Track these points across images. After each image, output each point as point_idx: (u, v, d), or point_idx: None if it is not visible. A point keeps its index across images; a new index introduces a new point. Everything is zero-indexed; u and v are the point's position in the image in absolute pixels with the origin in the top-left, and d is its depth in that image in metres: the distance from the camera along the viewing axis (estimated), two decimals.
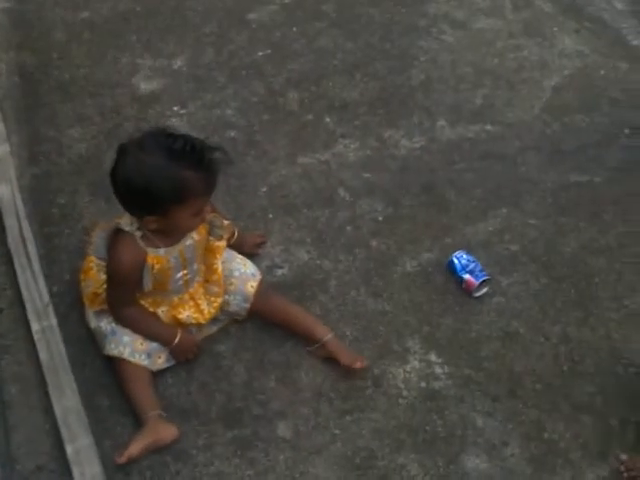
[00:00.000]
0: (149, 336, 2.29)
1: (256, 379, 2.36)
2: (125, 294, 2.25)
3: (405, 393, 2.34)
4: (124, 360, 2.28)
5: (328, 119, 2.98)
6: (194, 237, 2.24)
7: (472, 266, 2.55)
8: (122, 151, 2.07)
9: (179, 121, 2.91)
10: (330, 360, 2.39)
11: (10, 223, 2.53)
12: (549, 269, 2.64)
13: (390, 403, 2.34)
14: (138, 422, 2.23)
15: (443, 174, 2.86)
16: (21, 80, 3.01)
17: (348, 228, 2.70)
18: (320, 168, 2.85)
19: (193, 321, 2.35)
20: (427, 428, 2.27)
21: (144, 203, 2.07)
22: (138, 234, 2.16)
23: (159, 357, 2.32)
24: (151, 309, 2.32)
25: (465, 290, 2.55)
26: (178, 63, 3.12)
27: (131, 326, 2.28)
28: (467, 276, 2.54)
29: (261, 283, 2.43)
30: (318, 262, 2.62)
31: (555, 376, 2.38)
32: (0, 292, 2.47)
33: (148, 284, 2.22)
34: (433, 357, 2.41)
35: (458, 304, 2.53)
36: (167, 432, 2.21)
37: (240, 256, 2.47)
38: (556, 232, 2.73)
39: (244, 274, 2.43)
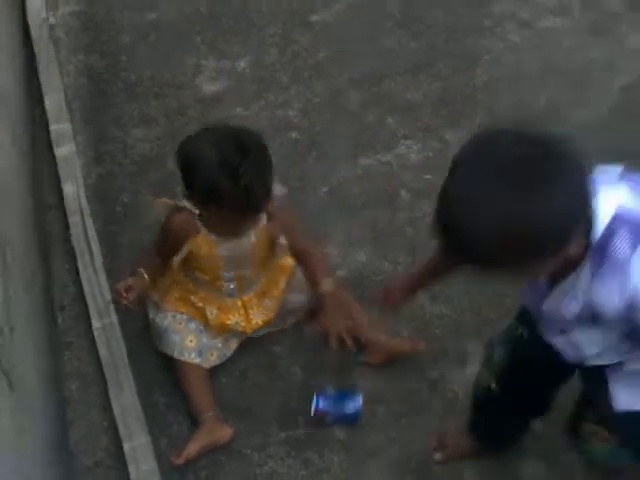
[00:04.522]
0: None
1: (312, 380, 2.37)
2: (157, 255, 2.27)
3: (461, 397, 2.31)
4: (178, 359, 2.31)
5: (390, 120, 2.96)
6: (252, 239, 2.23)
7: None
8: (200, 131, 2.09)
9: (242, 122, 2.91)
10: (385, 366, 2.38)
11: (74, 221, 2.58)
12: None
13: (446, 406, 2.32)
14: (194, 421, 2.26)
15: None
16: (89, 81, 3.06)
17: (408, 229, 2.68)
18: (381, 169, 2.83)
19: (239, 328, 2.36)
20: None
21: (185, 181, 2.08)
22: (196, 212, 2.16)
23: (211, 354, 2.34)
24: (200, 304, 2.33)
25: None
26: (241, 64, 3.13)
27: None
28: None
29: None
30: (377, 263, 2.60)
31: None
32: (63, 289, 2.53)
33: (178, 259, 2.22)
34: None
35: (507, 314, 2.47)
36: (223, 433, 2.25)
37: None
38: None
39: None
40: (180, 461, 2.18)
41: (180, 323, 2.33)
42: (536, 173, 1.28)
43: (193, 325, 2.33)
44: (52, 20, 3.19)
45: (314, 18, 3.27)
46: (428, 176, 2.79)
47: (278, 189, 2.27)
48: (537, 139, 1.32)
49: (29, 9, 3.15)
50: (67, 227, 2.61)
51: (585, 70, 3.11)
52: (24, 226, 2.36)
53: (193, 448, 2.20)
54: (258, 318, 2.37)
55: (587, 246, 1.44)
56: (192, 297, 2.34)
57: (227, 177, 1.96)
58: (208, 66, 3.13)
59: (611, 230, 1.43)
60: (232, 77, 3.09)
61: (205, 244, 2.20)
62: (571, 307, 1.52)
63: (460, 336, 2.45)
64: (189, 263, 2.26)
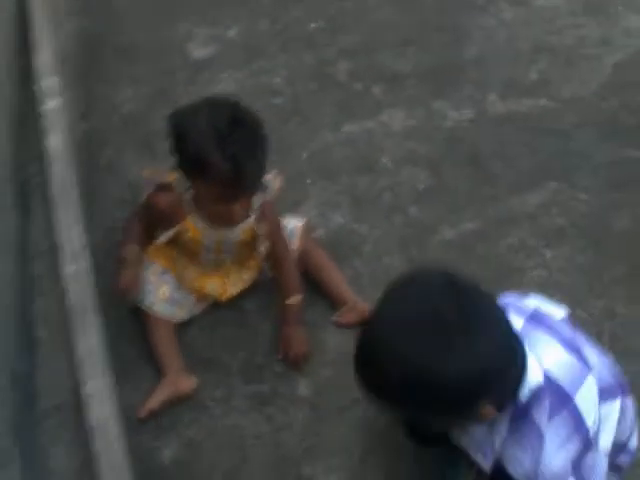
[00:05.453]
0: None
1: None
2: (139, 216, 2.27)
3: None
4: (148, 309, 2.29)
5: (376, 89, 2.95)
6: (238, 235, 2.23)
7: None
8: (197, 101, 2.07)
9: (227, 87, 2.93)
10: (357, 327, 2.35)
11: (56, 170, 2.57)
12: (598, 244, 2.54)
13: None
14: (159, 372, 2.25)
15: (490, 147, 2.79)
16: (81, 43, 3.06)
17: (387, 195, 2.66)
18: (363, 136, 2.82)
19: (215, 294, 2.36)
20: None
21: (175, 148, 2.06)
22: (187, 196, 2.15)
23: (180, 309, 2.33)
24: (181, 260, 2.32)
25: None
26: (232, 32, 3.14)
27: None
28: None
29: (307, 223, 2.44)
30: (354, 227, 2.59)
31: None
32: (40, 238, 2.52)
33: (163, 239, 2.22)
34: None
35: (499, 275, 2.45)
36: (186, 384, 2.23)
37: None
38: (608, 207, 2.64)
39: (290, 221, 2.42)
40: (144, 414, 2.17)
41: (154, 274, 2.31)
42: (460, 328, 1.34)
43: (167, 277, 2.32)
44: None
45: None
46: (411, 144, 2.78)
47: (275, 182, 2.28)
48: (467, 290, 1.40)
49: None
50: (50, 178, 2.60)
51: (577, 47, 3.10)
52: (2, 176, 2.36)
53: (156, 400, 2.18)
54: (234, 288, 2.37)
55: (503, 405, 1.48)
56: (174, 252, 2.32)
57: (215, 145, 1.95)
58: (199, 33, 3.14)
59: (536, 396, 1.48)
60: (222, 44, 3.10)
61: (191, 229, 2.20)
62: (485, 457, 1.58)
63: None
64: (172, 239, 2.25)
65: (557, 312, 1.67)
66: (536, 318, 1.60)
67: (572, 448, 1.49)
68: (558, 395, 1.49)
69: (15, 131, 2.65)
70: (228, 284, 2.36)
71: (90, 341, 2.22)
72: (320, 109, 2.89)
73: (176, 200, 2.17)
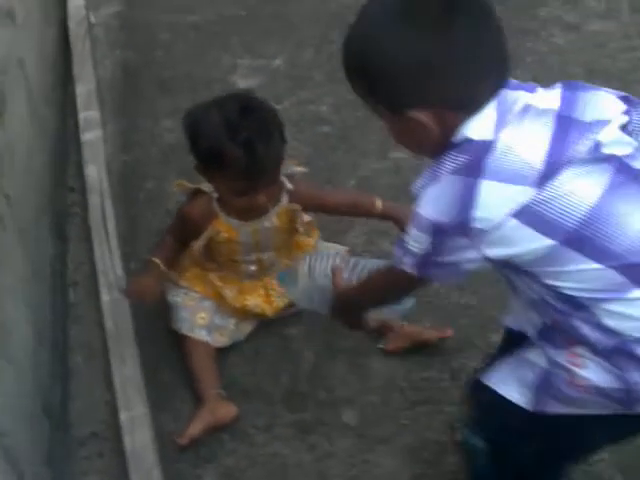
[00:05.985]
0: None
1: (324, 365, 2.27)
2: (175, 241, 2.21)
3: None
4: (186, 335, 2.23)
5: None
6: (273, 221, 2.16)
7: None
8: (209, 101, 2.06)
9: None
10: (404, 354, 2.26)
11: (93, 201, 2.55)
12: None
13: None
14: (198, 400, 2.16)
15: None
16: (124, 75, 3.06)
17: None
18: (411, 163, 2.73)
19: (259, 310, 2.28)
20: None
21: (191, 148, 2.05)
22: (215, 196, 2.12)
23: (221, 334, 2.26)
24: (219, 283, 2.25)
25: None
26: (277, 63, 3.10)
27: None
28: None
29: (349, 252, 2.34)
30: None
31: None
32: (77, 266, 2.48)
33: (200, 246, 2.16)
34: None
35: None
36: (226, 411, 2.14)
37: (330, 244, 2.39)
38: None
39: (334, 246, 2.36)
40: (184, 441, 2.09)
41: (193, 300, 2.26)
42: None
43: (206, 303, 2.26)
44: (92, 19, 3.22)
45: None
46: None
47: (297, 170, 2.21)
48: None
49: (70, 8, 3.19)
50: (87, 209, 2.57)
51: (632, 70, 3.00)
52: (40, 205, 2.34)
53: (196, 427, 2.10)
54: (280, 300, 2.28)
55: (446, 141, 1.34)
56: (210, 275, 2.26)
57: (226, 135, 1.93)
58: (243, 64, 3.11)
59: (462, 146, 1.32)
60: (266, 74, 3.06)
61: (225, 229, 2.14)
62: None
63: (486, 327, 2.30)
64: (207, 248, 2.20)
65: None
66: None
67: (444, 213, 1.31)
68: (473, 164, 1.30)
69: (55, 161, 2.64)
70: (273, 296, 2.28)
71: (128, 368, 2.17)
72: (366, 136, 2.81)
73: (207, 206, 2.13)
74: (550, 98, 1.37)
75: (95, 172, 2.63)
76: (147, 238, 2.54)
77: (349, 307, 1.80)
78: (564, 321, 1.40)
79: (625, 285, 1.33)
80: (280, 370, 2.25)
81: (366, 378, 2.23)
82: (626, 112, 1.36)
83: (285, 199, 2.16)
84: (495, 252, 1.34)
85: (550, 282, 1.36)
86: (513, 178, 1.28)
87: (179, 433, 2.09)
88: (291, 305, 2.27)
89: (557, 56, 3.09)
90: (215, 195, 2.12)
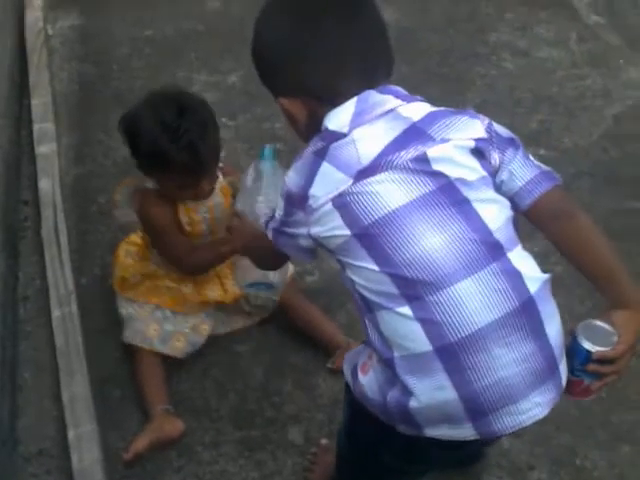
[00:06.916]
0: (222, 259, 2.22)
1: (273, 382, 2.29)
2: (177, 243, 2.20)
3: None
4: (139, 350, 2.24)
5: None
6: (220, 199, 2.21)
7: None
8: (140, 100, 2.09)
9: (227, 132, 2.91)
10: None
11: (46, 214, 2.55)
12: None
13: None
14: (146, 416, 2.18)
15: None
16: (79, 88, 3.08)
17: None
18: None
19: (218, 298, 2.30)
20: None
21: (131, 150, 2.09)
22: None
23: (177, 340, 2.26)
24: (173, 285, 2.28)
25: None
26: (232, 79, 3.14)
27: (204, 268, 2.26)
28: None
29: (292, 276, 2.37)
30: None
31: (594, 402, 2.22)
32: (28, 281, 2.48)
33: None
34: None
35: None
36: (172, 427, 2.14)
37: None
38: None
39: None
40: (129, 456, 2.09)
41: (146, 312, 2.27)
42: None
43: (158, 313, 2.27)
44: (50, 31, 3.23)
45: None
46: None
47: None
48: None
49: (27, 19, 3.19)
50: (39, 222, 2.57)
51: (578, 98, 3.09)
52: None
53: (142, 442, 2.10)
54: (235, 288, 2.31)
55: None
56: (164, 282, 2.28)
57: (168, 139, 1.98)
58: (199, 80, 3.15)
59: (321, 135, 1.43)
60: (222, 90, 3.10)
61: (183, 211, 2.18)
62: None
63: None
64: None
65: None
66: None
67: (294, 183, 1.44)
68: (324, 148, 1.41)
69: (8, 174, 2.63)
70: (227, 285, 2.31)
71: (76, 385, 2.18)
72: None
73: (158, 199, 2.15)
74: (417, 110, 1.44)
75: (49, 185, 2.63)
76: (99, 252, 2.56)
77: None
78: (362, 321, 1.47)
79: (397, 298, 1.37)
80: (228, 387, 2.27)
81: (314, 396, 2.26)
82: (480, 140, 1.43)
83: (220, 177, 2.23)
84: (313, 231, 1.43)
85: (350, 275, 1.43)
86: (341, 166, 1.39)
87: (125, 449, 2.11)
88: (250, 302, 2.34)
89: (506, 80, 3.17)
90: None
